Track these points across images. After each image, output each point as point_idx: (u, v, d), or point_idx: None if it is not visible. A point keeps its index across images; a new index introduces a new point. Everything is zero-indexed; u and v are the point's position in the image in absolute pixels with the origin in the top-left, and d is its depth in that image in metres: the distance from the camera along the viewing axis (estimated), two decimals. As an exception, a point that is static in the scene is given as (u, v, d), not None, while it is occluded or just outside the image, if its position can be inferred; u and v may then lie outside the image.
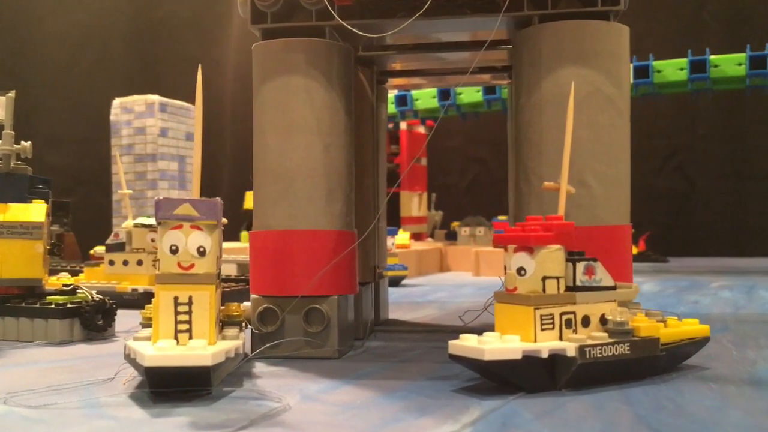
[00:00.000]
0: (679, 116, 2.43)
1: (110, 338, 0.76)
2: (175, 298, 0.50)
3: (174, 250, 0.50)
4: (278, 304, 0.63)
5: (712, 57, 1.50)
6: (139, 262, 1.07)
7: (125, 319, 0.80)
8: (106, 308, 0.76)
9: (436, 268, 1.82)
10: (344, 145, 0.66)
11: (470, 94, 1.71)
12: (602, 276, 0.53)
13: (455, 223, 2.14)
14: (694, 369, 0.56)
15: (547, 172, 0.61)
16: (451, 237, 2.14)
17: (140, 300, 1.04)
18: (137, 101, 1.66)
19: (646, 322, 0.53)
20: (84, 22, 2.60)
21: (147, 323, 0.57)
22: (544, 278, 0.50)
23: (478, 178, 2.60)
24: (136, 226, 1.09)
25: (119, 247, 1.08)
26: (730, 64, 1.49)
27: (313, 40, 0.65)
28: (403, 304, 1.10)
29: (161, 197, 0.50)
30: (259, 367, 0.60)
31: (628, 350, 0.51)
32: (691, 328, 0.56)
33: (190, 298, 0.50)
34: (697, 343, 0.57)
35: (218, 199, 0.52)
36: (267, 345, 0.61)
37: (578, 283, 0.52)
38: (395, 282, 1.39)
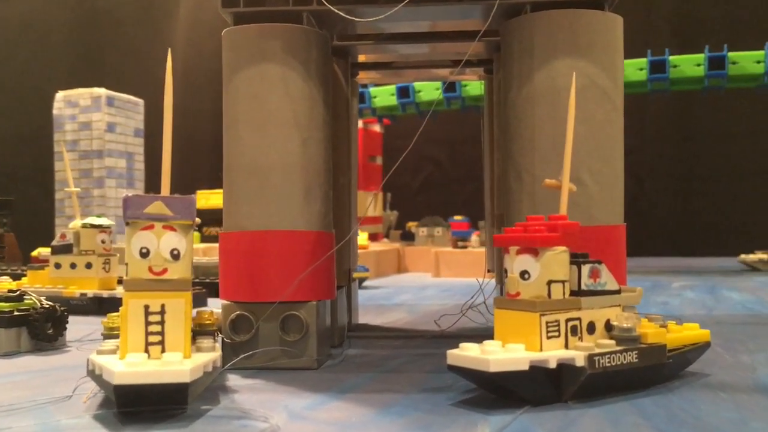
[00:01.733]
0: (628, 118, 2.45)
1: (61, 348, 0.70)
2: (146, 307, 0.45)
3: (145, 254, 0.45)
4: (252, 311, 0.59)
5: (672, 57, 1.50)
6: (88, 265, 1.00)
7: (74, 326, 0.74)
8: (57, 316, 0.70)
9: (394, 269, 1.78)
10: (323, 139, 0.62)
11: (430, 92, 1.68)
12: (607, 279, 0.50)
13: (411, 223, 2.11)
14: (695, 376, 0.54)
15: (540, 169, 0.58)
16: (407, 237, 2.11)
17: (89, 306, 0.98)
18: (82, 94, 1.57)
19: (652, 328, 0.50)
20: (22, 12, 2.48)
21: (110, 334, 0.51)
22: (549, 282, 0.46)
23: (431, 178, 2.58)
24: (84, 226, 1.02)
25: (66, 249, 1.01)
26: (689, 64, 1.49)
27: (290, 26, 0.60)
28: (369, 307, 1.06)
29: (129, 194, 0.45)
30: (233, 379, 0.55)
31: (636, 358, 0.48)
32: (693, 333, 0.54)
33: (163, 306, 0.45)
34: (699, 349, 0.54)
35: (193, 196, 0.47)
36: (242, 356, 0.56)
37: (583, 287, 0.48)
38: (357, 284, 1.34)
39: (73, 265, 1.01)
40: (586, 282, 0.49)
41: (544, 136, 0.58)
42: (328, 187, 0.63)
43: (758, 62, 1.48)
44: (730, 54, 1.49)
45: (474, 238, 1.74)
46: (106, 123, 1.55)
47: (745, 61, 1.48)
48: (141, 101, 1.66)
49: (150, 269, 0.45)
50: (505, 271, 0.48)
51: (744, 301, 1.08)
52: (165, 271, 0.45)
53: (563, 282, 0.47)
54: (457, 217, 2.07)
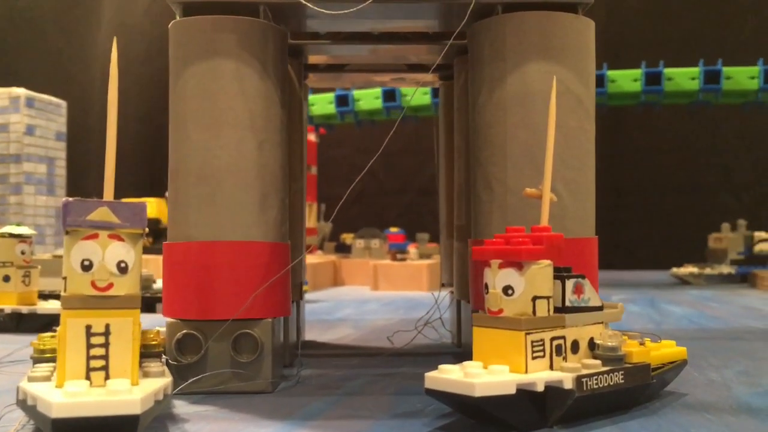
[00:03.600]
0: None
1: (-22, 371, 0.63)
2: (88, 327, 0.39)
3: (87, 266, 0.39)
4: (201, 330, 0.53)
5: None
6: (6, 278, 0.92)
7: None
8: (-26, 335, 0.63)
9: (329, 282, 1.74)
10: (280, 142, 0.57)
11: (369, 101, 1.65)
12: (590, 295, 0.47)
13: (346, 235, 2.07)
14: (672, 396, 0.51)
15: (512, 177, 0.55)
16: (341, 249, 2.07)
17: (6, 322, 0.90)
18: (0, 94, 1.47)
19: (636, 346, 0.47)
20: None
21: (41, 357, 0.45)
22: (534, 298, 0.43)
23: (366, 190, 2.54)
24: (2, 235, 0.93)
25: (-18, 260, 0.93)
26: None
27: (245, 19, 0.55)
28: (312, 322, 1.01)
29: (70, 199, 0.39)
30: (180, 406, 0.49)
31: (622, 379, 0.45)
32: (672, 350, 0.52)
33: (107, 326, 0.39)
34: (677, 368, 0.52)
35: (144, 202, 0.41)
36: (191, 380, 0.51)
37: (567, 303, 0.45)
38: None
39: (-11, 278, 0.92)
40: (570, 298, 0.46)
41: (517, 143, 0.55)
42: (285, 194, 0.58)
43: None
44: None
45: (413, 250, 1.71)
46: (25, 125, 1.45)
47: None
48: (63, 103, 1.56)
49: (93, 284, 0.39)
50: (486, 286, 0.45)
51: (687, 314, 1.08)
52: (110, 286, 0.40)
53: (548, 298, 0.44)
54: (393, 229, 2.04)
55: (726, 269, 1.73)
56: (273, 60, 0.56)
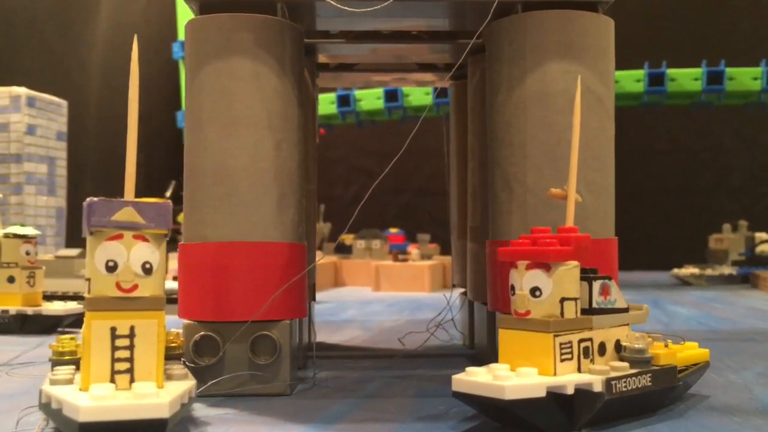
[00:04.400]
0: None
1: (-12, 373, 0.62)
2: (113, 329, 0.38)
3: (111, 267, 0.39)
4: (218, 331, 0.53)
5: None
6: (11, 279, 0.91)
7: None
8: (-16, 337, 0.62)
9: (331, 282, 1.73)
10: (297, 142, 0.56)
11: (371, 101, 1.64)
12: (616, 296, 0.46)
13: (345, 236, 2.06)
14: (695, 398, 0.51)
15: (532, 177, 0.54)
16: (341, 250, 2.06)
17: (11, 324, 0.89)
18: (0, 93, 1.45)
19: (662, 349, 0.47)
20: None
21: (60, 360, 0.44)
22: (562, 300, 0.43)
23: (363, 190, 2.53)
24: (6, 236, 0.92)
25: (-14, 261, 0.91)
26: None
27: (263, 17, 0.55)
28: (318, 324, 1.00)
29: (94, 199, 0.39)
30: (198, 408, 0.49)
31: (649, 381, 0.45)
32: (696, 352, 0.51)
33: (132, 328, 0.39)
34: (701, 370, 0.52)
35: (169, 202, 0.41)
36: (211, 382, 0.50)
37: (594, 304, 0.45)
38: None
39: (-8, 279, 0.91)
40: (597, 299, 0.45)
41: (537, 143, 0.54)
42: (302, 194, 0.57)
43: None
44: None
45: (414, 251, 1.71)
46: (26, 125, 1.44)
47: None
48: (64, 102, 1.55)
49: (118, 285, 0.39)
50: (512, 287, 0.44)
51: (694, 316, 1.08)
52: (135, 287, 0.39)
53: (575, 300, 0.43)
54: (393, 230, 2.04)
55: (727, 270, 1.73)
56: (290, 59, 0.56)
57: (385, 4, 0.52)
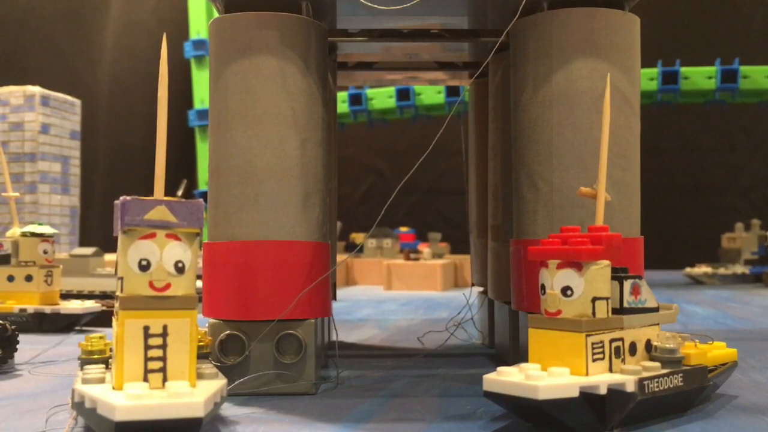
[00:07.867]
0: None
1: (10, 373, 0.62)
2: (146, 328, 0.38)
3: (145, 266, 0.38)
4: (243, 331, 0.53)
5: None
6: (28, 278, 0.91)
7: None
8: (7, 335, 0.62)
9: (342, 281, 1.73)
10: (321, 140, 0.56)
11: (382, 100, 1.64)
12: (647, 296, 0.46)
13: (355, 235, 2.06)
14: (723, 398, 0.51)
15: (558, 176, 0.54)
16: (352, 249, 2.06)
17: (29, 323, 0.89)
18: (14, 92, 1.45)
19: (693, 348, 0.47)
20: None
21: (89, 359, 0.44)
22: (594, 299, 0.42)
23: (373, 189, 2.53)
24: (24, 234, 0.92)
25: (4, 260, 0.92)
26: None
27: (288, 16, 0.55)
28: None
29: (127, 198, 0.39)
30: (225, 407, 0.49)
31: (681, 381, 0.44)
32: (724, 352, 0.51)
33: (165, 327, 0.39)
34: (729, 369, 0.51)
35: (201, 201, 0.41)
36: (238, 381, 0.50)
37: (625, 304, 0.45)
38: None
39: (10, 278, 0.91)
40: (628, 299, 0.45)
41: (563, 142, 0.54)
42: (326, 193, 0.57)
43: None
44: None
45: (425, 250, 1.71)
46: (40, 124, 1.44)
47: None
48: (78, 101, 1.55)
49: (151, 284, 0.38)
50: (542, 287, 0.44)
51: (711, 315, 1.07)
52: (168, 286, 0.39)
53: (607, 299, 0.43)
54: (403, 229, 2.04)
55: (740, 269, 1.72)
56: (315, 57, 0.56)
57: (414, 2, 0.52)
